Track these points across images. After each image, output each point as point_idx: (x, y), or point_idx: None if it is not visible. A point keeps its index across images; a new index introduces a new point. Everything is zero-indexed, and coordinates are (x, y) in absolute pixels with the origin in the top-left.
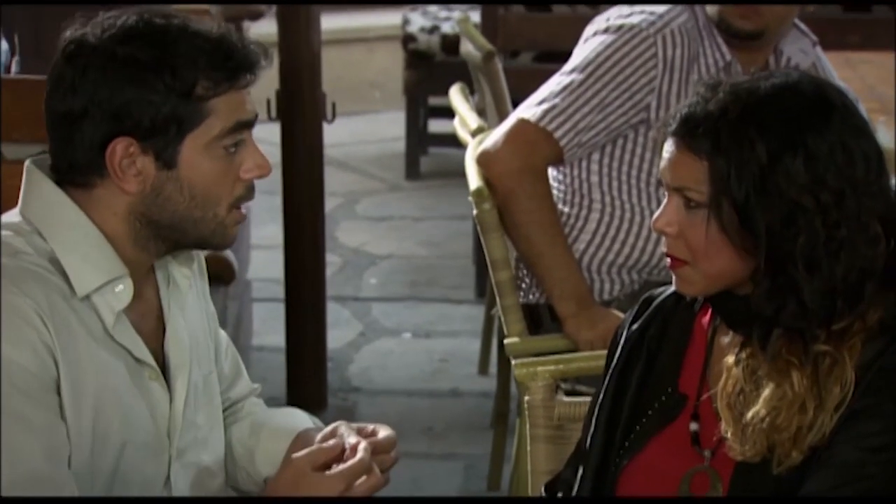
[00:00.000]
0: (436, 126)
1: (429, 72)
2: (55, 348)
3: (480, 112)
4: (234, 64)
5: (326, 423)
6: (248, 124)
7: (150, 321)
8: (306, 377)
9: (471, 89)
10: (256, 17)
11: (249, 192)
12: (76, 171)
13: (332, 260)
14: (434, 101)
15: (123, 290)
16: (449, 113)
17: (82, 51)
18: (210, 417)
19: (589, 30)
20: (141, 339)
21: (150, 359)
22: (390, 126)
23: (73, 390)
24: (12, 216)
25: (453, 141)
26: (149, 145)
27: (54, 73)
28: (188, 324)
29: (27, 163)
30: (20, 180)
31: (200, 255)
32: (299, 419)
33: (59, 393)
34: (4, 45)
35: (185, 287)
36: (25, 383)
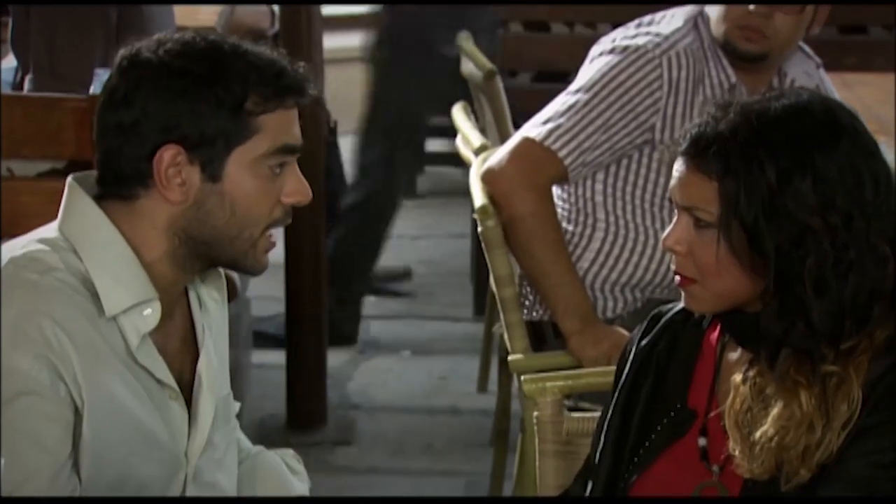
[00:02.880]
0: (433, 145)
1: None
2: (76, 370)
3: (481, 131)
4: (284, 83)
5: (326, 440)
6: (293, 149)
7: (175, 342)
8: (306, 394)
9: (470, 108)
10: (260, 34)
11: (287, 216)
12: (122, 183)
13: None
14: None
15: (151, 314)
16: (446, 132)
17: (136, 64)
18: (226, 438)
19: (595, 50)
20: (164, 360)
21: (171, 380)
22: None
23: (96, 409)
24: (50, 231)
25: (450, 160)
26: (196, 156)
27: (108, 87)
28: (215, 346)
29: (69, 179)
30: (30, 197)
31: (225, 282)
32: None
33: (76, 411)
34: (14, 62)
35: (215, 311)
36: (42, 397)
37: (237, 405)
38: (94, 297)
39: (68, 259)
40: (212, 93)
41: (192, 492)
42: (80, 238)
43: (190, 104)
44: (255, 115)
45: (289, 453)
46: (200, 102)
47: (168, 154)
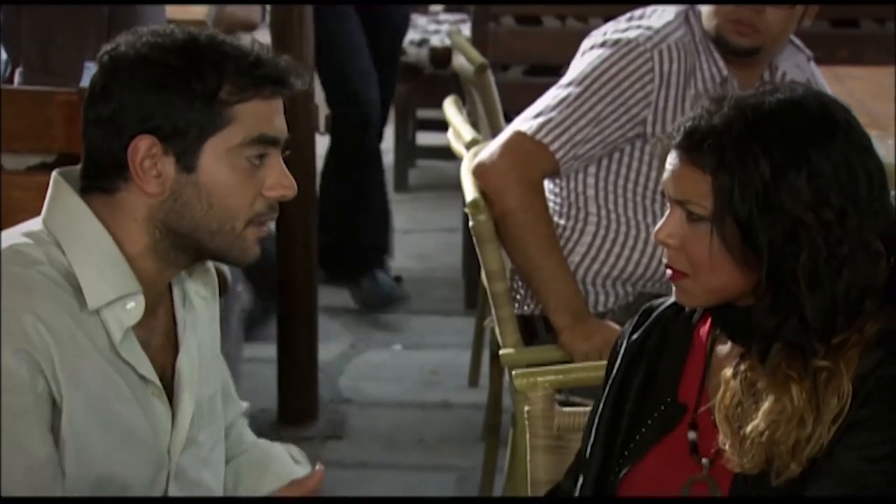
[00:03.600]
0: (424, 139)
1: (418, 85)
2: (56, 366)
3: (472, 125)
4: (261, 73)
5: (318, 435)
6: (273, 140)
7: (157, 337)
8: (297, 389)
9: (462, 102)
10: (250, 28)
11: (271, 211)
12: (103, 176)
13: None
14: (422, 113)
15: (134, 308)
16: (437, 126)
17: (114, 58)
18: (212, 436)
19: (586, 43)
20: (147, 356)
21: (154, 377)
22: None
23: (76, 404)
24: (34, 224)
25: (442, 153)
26: (170, 146)
27: (91, 82)
28: (200, 343)
29: (54, 173)
30: (20, 191)
31: (215, 278)
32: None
33: (55, 406)
34: (4, 56)
35: (201, 308)
36: (20, 394)
37: (246, 406)
38: (77, 290)
39: (51, 252)
40: (184, 83)
41: (174, 490)
42: (64, 231)
43: (163, 94)
44: (230, 104)
45: (293, 448)
46: (173, 93)
47: (142, 144)
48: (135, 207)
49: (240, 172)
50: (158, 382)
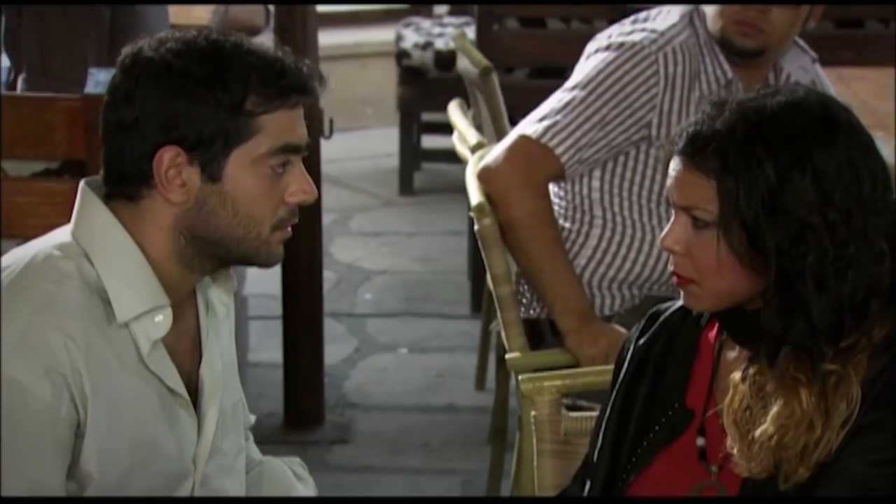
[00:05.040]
0: (429, 142)
1: (422, 88)
2: (84, 382)
3: (477, 128)
4: (286, 83)
5: (323, 439)
6: (296, 148)
7: (184, 344)
8: (303, 393)
9: (466, 105)
10: (254, 32)
11: (292, 216)
12: (125, 182)
13: (326, 276)
14: (427, 116)
15: (163, 321)
16: (442, 129)
17: (138, 62)
18: (235, 444)
19: (591, 47)
20: (174, 362)
21: (182, 389)
22: (383, 142)
23: (101, 421)
24: (64, 236)
25: (447, 156)
26: (195, 156)
27: (111, 85)
28: (222, 350)
29: (81, 184)
30: (22, 197)
31: (236, 283)
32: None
33: (79, 431)
34: (6, 61)
35: (223, 314)
36: (35, 413)
37: (252, 417)
38: (107, 304)
39: (82, 265)
40: (210, 93)
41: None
42: (93, 244)
43: (188, 104)
44: (256, 115)
45: (295, 461)
46: (199, 103)
47: (167, 155)
48: (159, 215)
49: (264, 181)
50: (186, 394)
